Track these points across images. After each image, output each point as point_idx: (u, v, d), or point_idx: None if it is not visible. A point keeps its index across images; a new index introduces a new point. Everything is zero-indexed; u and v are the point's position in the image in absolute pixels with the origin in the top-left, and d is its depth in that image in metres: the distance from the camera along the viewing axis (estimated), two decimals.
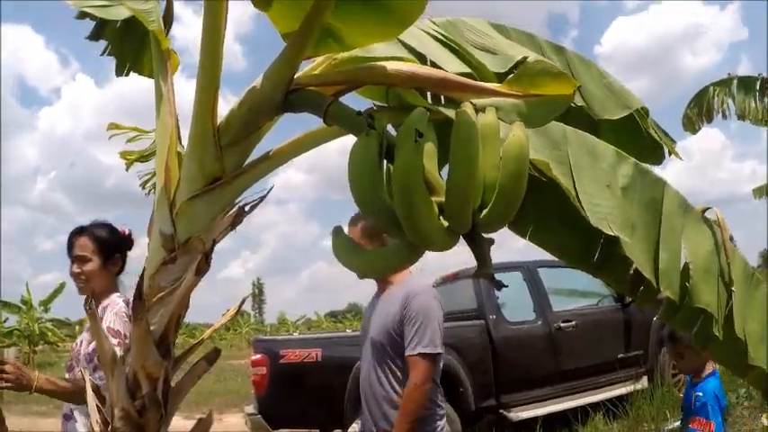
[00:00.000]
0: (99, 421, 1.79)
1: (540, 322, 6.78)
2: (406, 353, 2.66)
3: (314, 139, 1.70)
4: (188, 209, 1.63)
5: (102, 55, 2.31)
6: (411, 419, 2.56)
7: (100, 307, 2.37)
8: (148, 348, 1.62)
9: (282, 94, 1.59)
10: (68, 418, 2.34)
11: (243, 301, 1.79)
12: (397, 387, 2.72)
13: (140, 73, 2.25)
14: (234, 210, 1.64)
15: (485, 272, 1.39)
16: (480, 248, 1.40)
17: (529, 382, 6.51)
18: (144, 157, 2.30)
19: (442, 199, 1.36)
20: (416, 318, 2.64)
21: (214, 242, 1.60)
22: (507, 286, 1.43)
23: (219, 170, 1.61)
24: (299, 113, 1.61)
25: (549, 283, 7.02)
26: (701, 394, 2.88)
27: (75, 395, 2.24)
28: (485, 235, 1.40)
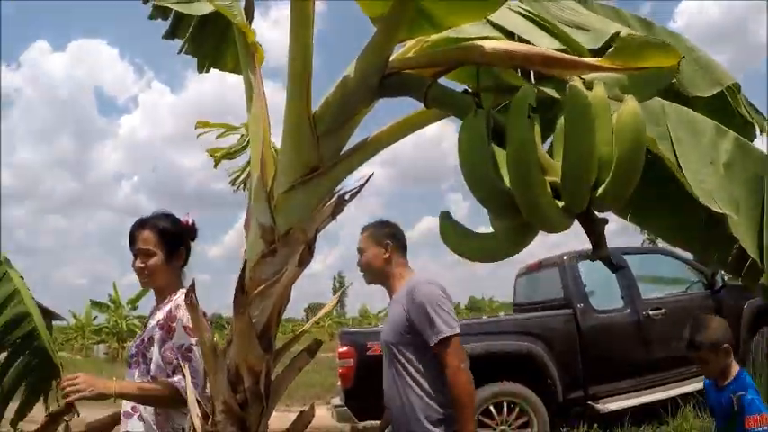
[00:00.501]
0: (199, 415, 1.79)
1: (628, 310, 6.52)
2: (431, 344, 2.55)
3: (413, 123, 1.66)
4: (286, 200, 1.62)
5: (179, 53, 2.32)
6: (467, 403, 2.47)
7: (166, 301, 2.28)
8: (250, 342, 1.61)
9: (378, 79, 1.56)
10: (129, 416, 2.21)
11: (342, 291, 1.76)
12: (414, 391, 2.60)
13: (222, 68, 2.26)
14: (334, 199, 1.62)
15: (601, 253, 1.33)
16: (596, 228, 1.34)
17: (617, 373, 6.28)
18: (231, 153, 2.29)
19: (554, 179, 1.32)
20: (423, 308, 2.57)
21: (317, 232, 1.58)
22: (624, 267, 1.38)
23: (317, 159, 1.58)
24: (395, 98, 1.58)
25: (635, 271, 6.80)
26: (743, 393, 2.75)
27: (157, 398, 2.13)
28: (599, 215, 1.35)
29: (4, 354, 2.41)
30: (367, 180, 1.66)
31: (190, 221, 2.38)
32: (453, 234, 1.43)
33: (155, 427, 2.15)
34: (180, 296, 2.20)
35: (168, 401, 2.11)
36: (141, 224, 2.28)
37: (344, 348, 5.87)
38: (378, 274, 2.83)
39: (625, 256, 6.69)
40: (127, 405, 2.22)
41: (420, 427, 2.56)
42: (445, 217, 1.44)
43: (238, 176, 2.38)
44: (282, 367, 1.78)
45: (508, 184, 1.29)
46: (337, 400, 6.18)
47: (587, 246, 1.37)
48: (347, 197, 1.63)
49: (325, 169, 1.59)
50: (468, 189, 1.36)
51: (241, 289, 1.59)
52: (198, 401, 1.80)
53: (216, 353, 1.65)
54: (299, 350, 1.80)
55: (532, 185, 1.23)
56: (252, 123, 1.75)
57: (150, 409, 2.15)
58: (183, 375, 2.00)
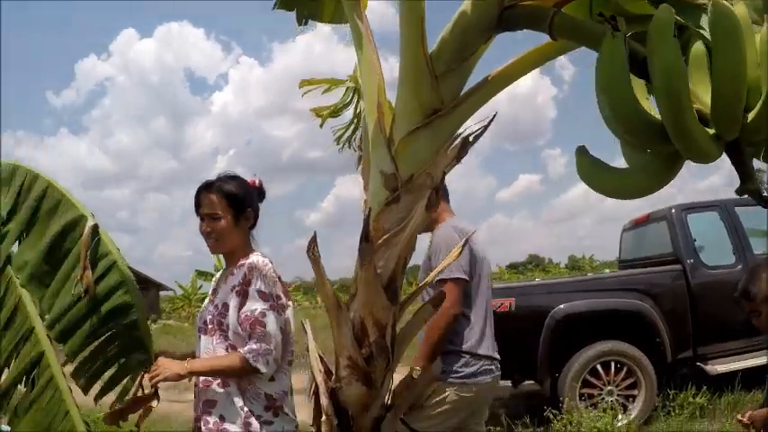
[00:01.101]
0: (322, 370, 1.78)
1: (740, 267, 6.06)
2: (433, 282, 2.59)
3: (536, 57, 1.56)
4: (407, 145, 1.56)
5: (273, 9, 2.29)
6: (430, 344, 2.57)
7: (239, 265, 2.19)
8: (376, 293, 1.58)
9: (497, 11, 1.47)
10: (208, 383, 2.14)
11: (466, 241, 1.69)
12: None
13: (320, 20, 2.21)
14: (458, 141, 1.54)
15: (750, 186, 1.21)
16: (744, 159, 1.22)
17: (727, 333, 5.87)
18: (337, 110, 2.25)
19: (699, 106, 1.20)
20: (436, 249, 2.73)
21: (444, 175, 1.51)
22: None
23: (437, 101, 1.51)
24: (516, 32, 1.48)
25: (747, 225, 6.37)
26: None
27: (229, 371, 2.07)
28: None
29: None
30: (491, 121, 1.57)
31: (257, 182, 2.30)
32: (591, 170, 1.33)
33: (237, 393, 2.08)
34: (253, 259, 2.15)
35: (240, 372, 2.05)
36: (206, 187, 2.19)
37: None
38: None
39: (738, 210, 6.27)
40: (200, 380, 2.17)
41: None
42: (582, 152, 1.34)
43: (342, 134, 2.34)
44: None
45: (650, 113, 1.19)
46: None
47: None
48: (471, 138, 1.55)
49: (447, 111, 1.51)
50: (604, 123, 1.26)
51: (365, 238, 1.54)
52: (320, 357, 1.79)
53: (339, 306, 1.63)
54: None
55: (684, 111, 1.13)
56: (363, 69, 1.69)
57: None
58: (258, 341, 2.01)
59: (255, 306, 2.06)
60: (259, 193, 2.31)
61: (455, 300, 2.63)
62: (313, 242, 1.59)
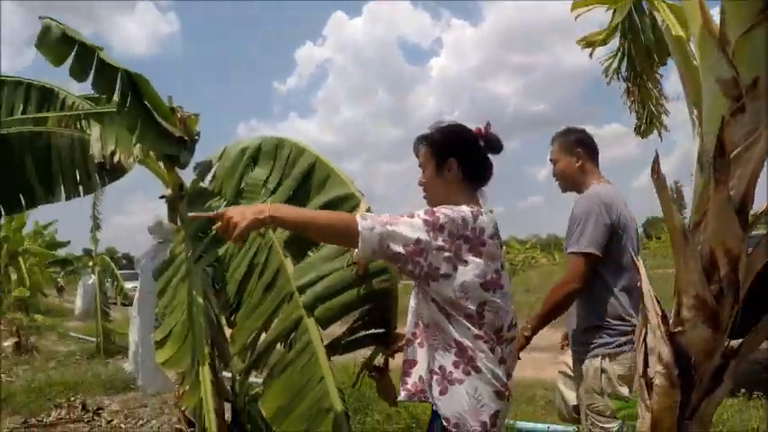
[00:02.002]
0: (659, 313, 1.54)
1: None
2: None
3: None
4: (745, 44, 1.32)
5: None
6: (546, 310, 2.52)
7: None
8: (729, 219, 1.35)
9: None
10: (410, 342, 1.90)
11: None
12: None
13: None
14: None
15: None
16: None
17: None
18: (605, 38, 2.03)
19: None
20: (574, 219, 2.56)
21: None
22: None
23: None
24: None
25: None
26: None
27: (324, 227, 1.76)
28: None
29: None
30: None
31: (483, 130, 2.03)
32: None
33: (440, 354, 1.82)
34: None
35: (335, 235, 1.78)
36: (417, 139, 2.06)
37: None
38: (571, 183, 2.76)
39: None
40: (408, 331, 1.92)
41: None
42: None
43: (610, 64, 2.12)
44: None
45: None
46: None
47: None
48: None
49: None
50: None
51: (720, 151, 1.31)
52: (656, 299, 1.57)
53: (686, 235, 1.41)
54: None
55: None
56: None
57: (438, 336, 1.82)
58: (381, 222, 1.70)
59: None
60: (486, 141, 2.03)
61: (575, 274, 2.48)
62: (655, 163, 1.38)
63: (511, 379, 1.89)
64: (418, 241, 1.69)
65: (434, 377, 1.81)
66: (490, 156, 2.02)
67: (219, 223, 1.73)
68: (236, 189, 2.69)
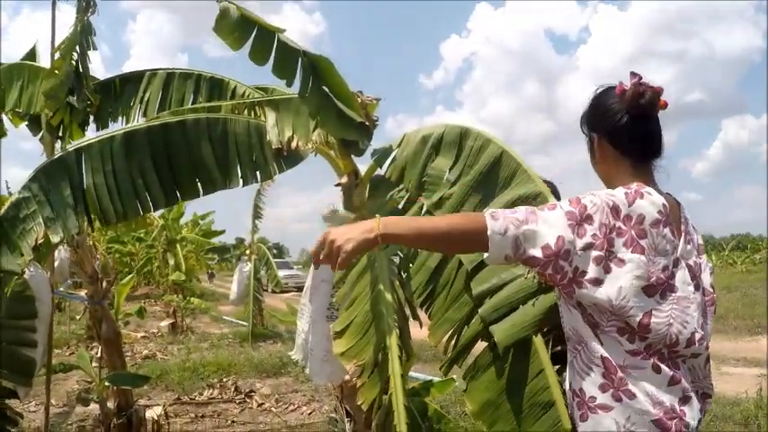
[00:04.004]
0: None
1: None
2: None
3: None
4: None
5: None
6: None
7: None
8: None
9: None
10: None
11: None
12: None
13: None
14: None
15: None
16: None
17: None
18: None
19: None
20: None
21: None
22: None
23: None
24: None
25: None
26: None
27: (455, 234, 1.44)
28: None
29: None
30: None
31: (625, 86, 1.58)
32: None
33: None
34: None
35: (466, 242, 1.47)
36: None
37: None
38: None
39: None
40: None
41: None
42: None
43: None
44: None
45: None
46: None
47: None
48: None
49: None
50: None
51: None
52: None
53: None
54: None
55: None
56: None
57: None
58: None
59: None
60: (631, 99, 1.55)
61: None
62: None
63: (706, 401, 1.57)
64: (559, 241, 1.39)
65: (575, 399, 1.51)
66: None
67: (318, 248, 1.45)
68: (418, 180, 2.55)
